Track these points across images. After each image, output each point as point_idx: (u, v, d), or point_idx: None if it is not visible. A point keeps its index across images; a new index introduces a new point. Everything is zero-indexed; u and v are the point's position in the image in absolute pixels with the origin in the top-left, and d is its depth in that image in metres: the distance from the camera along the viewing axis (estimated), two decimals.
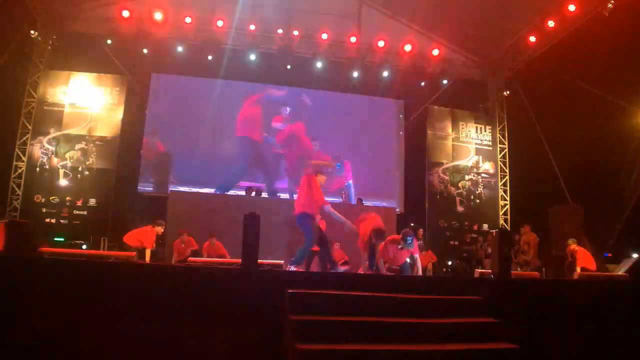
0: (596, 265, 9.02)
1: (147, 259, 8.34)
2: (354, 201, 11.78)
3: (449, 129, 13.33)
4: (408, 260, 6.98)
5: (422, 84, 13.14)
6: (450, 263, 11.98)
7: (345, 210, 7.71)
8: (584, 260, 8.86)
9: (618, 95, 10.46)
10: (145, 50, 11.77)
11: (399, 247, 6.69)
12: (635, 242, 9.92)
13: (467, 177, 13.15)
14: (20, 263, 4.66)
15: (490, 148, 13.51)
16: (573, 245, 8.95)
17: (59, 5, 11.42)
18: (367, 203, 11.73)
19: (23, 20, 10.89)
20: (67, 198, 10.99)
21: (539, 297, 5.58)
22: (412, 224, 12.55)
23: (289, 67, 12.45)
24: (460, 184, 13.05)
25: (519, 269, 10.23)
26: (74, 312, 4.39)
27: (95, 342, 4.33)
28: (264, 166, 11.54)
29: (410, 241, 6.64)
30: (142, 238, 8.60)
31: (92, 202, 11.09)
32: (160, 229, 8.74)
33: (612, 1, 9.56)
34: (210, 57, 12.00)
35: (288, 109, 11.96)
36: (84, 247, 10.03)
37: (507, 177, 13.39)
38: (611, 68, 10.09)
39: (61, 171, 11.14)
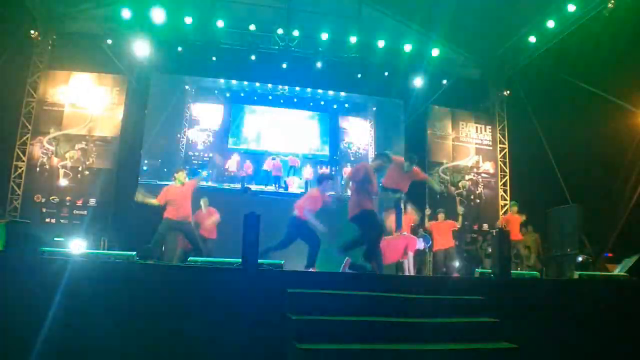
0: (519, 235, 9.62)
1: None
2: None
3: (449, 129, 13.33)
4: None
5: (422, 84, 13.15)
6: (457, 264, 11.93)
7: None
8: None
9: (618, 95, 10.46)
10: (145, 50, 11.77)
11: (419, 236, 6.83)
12: (635, 242, 9.90)
13: (467, 177, 13.14)
14: (20, 263, 4.66)
15: (490, 148, 13.50)
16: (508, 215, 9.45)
17: (59, 5, 11.42)
18: None
19: (23, 20, 10.89)
20: (67, 198, 10.99)
21: (539, 297, 5.58)
22: (412, 224, 12.53)
23: (284, 65, 12.43)
24: (460, 184, 13.05)
25: (519, 269, 10.23)
26: (74, 312, 4.39)
27: (95, 342, 4.33)
28: None
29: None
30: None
31: (92, 202, 11.08)
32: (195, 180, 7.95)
33: (612, 1, 9.57)
34: (214, 58, 12.02)
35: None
36: (83, 247, 9.96)
37: (507, 177, 13.39)
38: (611, 68, 10.09)
39: (61, 171, 11.13)
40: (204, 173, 7.91)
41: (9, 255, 4.97)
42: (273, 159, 15.21)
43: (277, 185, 15.07)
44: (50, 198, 10.93)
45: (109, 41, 11.57)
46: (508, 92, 13.56)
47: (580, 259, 10.40)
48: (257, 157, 15.77)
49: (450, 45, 13.25)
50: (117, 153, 11.55)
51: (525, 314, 5.21)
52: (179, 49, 11.83)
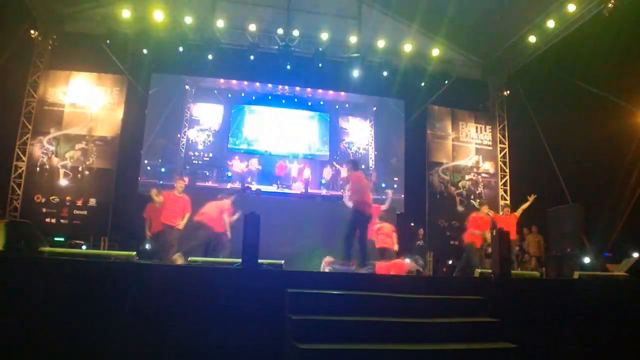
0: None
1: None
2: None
3: (449, 129, 13.33)
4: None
5: (422, 84, 13.15)
6: (450, 262, 11.97)
7: None
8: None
9: (618, 95, 10.46)
10: (145, 51, 11.77)
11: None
12: (635, 242, 9.91)
13: (467, 177, 13.14)
14: (20, 263, 4.67)
15: (490, 148, 13.50)
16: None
17: (59, 5, 11.41)
18: None
19: (23, 20, 10.89)
20: (67, 198, 10.98)
21: (539, 297, 5.59)
22: (412, 224, 12.54)
23: (284, 65, 12.41)
24: (460, 184, 13.04)
25: (519, 268, 10.26)
26: (74, 312, 4.39)
27: (95, 341, 4.32)
28: None
29: None
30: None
31: (92, 202, 11.08)
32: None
33: (612, 1, 9.56)
34: (209, 57, 12.01)
35: None
36: (84, 247, 10.03)
37: (507, 177, 13.38)
38: (611, 68, 10.08)
39: (61, 171, 11.13)
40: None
41: (9, 255, 4.98)
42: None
43: (278, 185, 15.08)
44: (50, 198, 10.93)
45: (109, 41, 11.56)
46: (508, 92, 13.56)
47: (587, 260, 10.39)
48: (258, 157, 15.77)
49: (450, 45, 13.25)
50: (117, 153, 11.53)
51: (525, 314, 5.22)
52: (179, 49, 11.82)
